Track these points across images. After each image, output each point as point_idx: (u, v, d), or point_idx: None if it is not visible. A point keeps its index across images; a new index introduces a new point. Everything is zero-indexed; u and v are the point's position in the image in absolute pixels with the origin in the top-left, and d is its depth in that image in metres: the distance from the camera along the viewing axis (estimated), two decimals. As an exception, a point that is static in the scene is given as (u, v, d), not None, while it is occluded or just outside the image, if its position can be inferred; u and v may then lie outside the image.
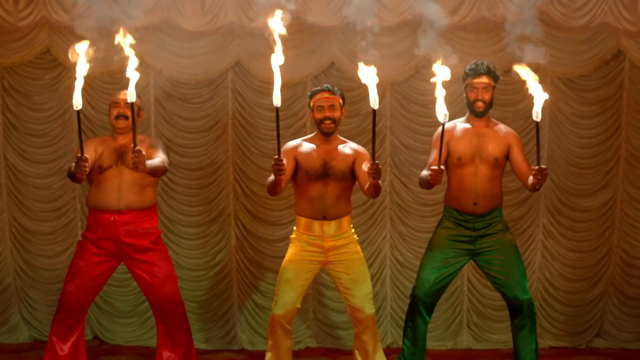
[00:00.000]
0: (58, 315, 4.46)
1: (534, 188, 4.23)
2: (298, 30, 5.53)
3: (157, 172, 4.43)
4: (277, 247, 5.81)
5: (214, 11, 5.61)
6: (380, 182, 4.05)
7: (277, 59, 3.63)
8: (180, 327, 4.57)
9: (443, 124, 3.81)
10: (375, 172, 3.86)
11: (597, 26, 5.62)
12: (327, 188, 4.26)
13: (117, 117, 4.52)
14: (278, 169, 3.88)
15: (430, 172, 4.01)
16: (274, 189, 4.14)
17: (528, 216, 5.87)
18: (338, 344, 5.88)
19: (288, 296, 4.28)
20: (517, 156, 4.42)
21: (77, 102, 3.71)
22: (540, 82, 3.96)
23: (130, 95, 3.72)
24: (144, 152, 4.05)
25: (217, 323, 5.93)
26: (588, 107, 5.81)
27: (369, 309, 4.32)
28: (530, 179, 4.20)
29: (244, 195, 5.85)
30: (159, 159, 4.44)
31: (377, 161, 3.84)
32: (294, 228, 4.42)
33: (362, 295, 4.31)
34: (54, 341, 4.46)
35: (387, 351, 5.05)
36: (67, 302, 4.43)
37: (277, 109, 3.64)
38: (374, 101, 3.60)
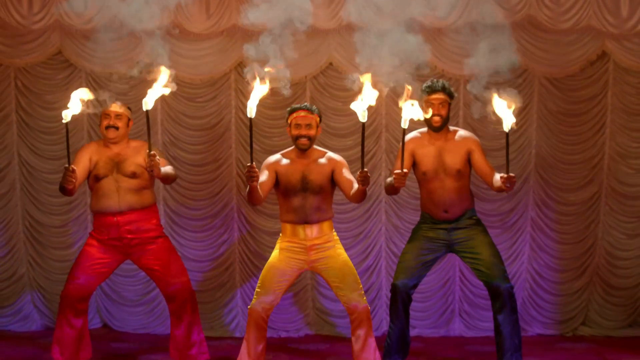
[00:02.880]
0: (62, 304, 4.60)
1: (500, 190, 4.38)
2: (297, 33, 5.77)
3: (168, 179, 4.61)
4: (278, 239, 6.00)
5: (218, 15, 5.84)
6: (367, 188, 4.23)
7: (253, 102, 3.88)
8: (189, 315, 4.67)
9: (404, 130, 3.95)
10: (364, 179, 4.05)
11: (582, 29, 5.82)
12: (306, 200, 4.41)
13: (107, 128, 4.64)
14: (250, 175, 4.04)
15: (394, 175, 4.19)
16: (251, 197, 4.27)
17: (517, 209, 6.07)
18: (335, 332, 6.06)
19: (268, 294, 4.36)
20: (478, 159, 4.57)
21: (67, 114, 4.01)
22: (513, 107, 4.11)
23: (145, 104, 3.95)
24: (158, 156, 4.22)
25: (220, 312, 6.13)
26: (574, 106, 6.01)
27: (360, 302, 4.38)
28: (497, 181, 4.34)
29: (246, 190, 6.01)
30: (170, 167, 4.64)
31: (365, 169, 4.03)
32: (280, 235, 4.53)
33: (350, 287, 4.37)
34: (63, 325, 4.59)
35: (383, 338, 5.26)
36: (70, 293, 4.57)
37: (250, 119, 3.87)
38: (362, 115, 3.81)
